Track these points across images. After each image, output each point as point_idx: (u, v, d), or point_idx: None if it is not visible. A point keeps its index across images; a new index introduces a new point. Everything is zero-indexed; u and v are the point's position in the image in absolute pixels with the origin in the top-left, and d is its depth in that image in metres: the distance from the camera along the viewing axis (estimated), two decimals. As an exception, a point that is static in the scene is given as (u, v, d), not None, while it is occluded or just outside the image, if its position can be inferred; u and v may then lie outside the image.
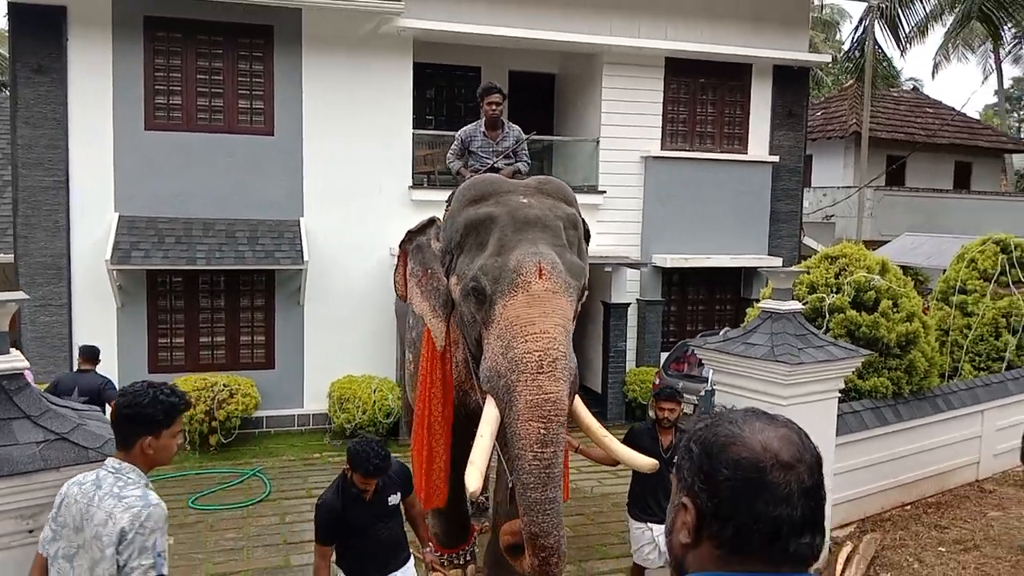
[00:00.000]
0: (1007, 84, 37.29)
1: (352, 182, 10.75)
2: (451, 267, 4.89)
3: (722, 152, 12.65)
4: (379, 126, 10.87)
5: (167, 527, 2.91)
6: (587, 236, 5.09)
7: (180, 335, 10.31)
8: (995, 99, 32.75)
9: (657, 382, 10.27)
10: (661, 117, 12.31)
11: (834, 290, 6.71)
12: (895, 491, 6.84)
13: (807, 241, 13.77)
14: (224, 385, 9.60)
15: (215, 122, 10.38)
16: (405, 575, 4.56)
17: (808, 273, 7.04)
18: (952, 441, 6.94)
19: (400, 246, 5.33)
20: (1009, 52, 26.93)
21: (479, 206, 4.74)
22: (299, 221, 10.52)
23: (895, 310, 6.66)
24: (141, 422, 2.90)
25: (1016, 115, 44.45)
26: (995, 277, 8.77)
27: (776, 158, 12.78)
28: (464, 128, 6.85)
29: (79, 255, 9.83)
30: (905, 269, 15.73)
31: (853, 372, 6.27)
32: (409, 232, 5.33)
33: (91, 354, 7.45)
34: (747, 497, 1.19)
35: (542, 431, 4.09)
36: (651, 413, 5.63)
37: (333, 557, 4.44)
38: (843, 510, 6.37)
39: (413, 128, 11.24)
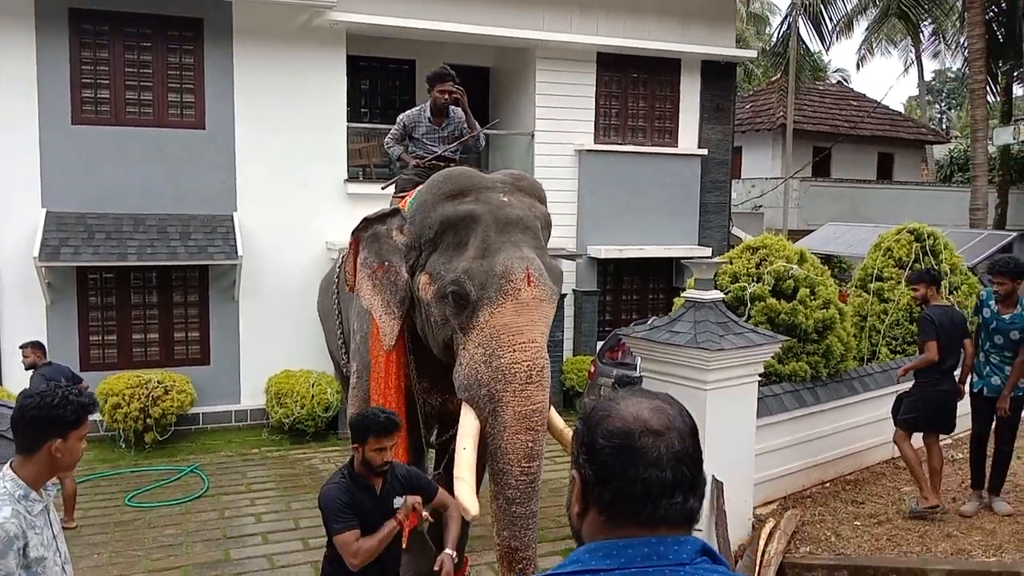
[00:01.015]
0: (929, 77, 38.74)
1: (286, 176, 10.70)
2: (418, 264, 4.65)
3: (653, 145, 12.95)
4: (313, 119, 10.84)
5: (11, 551, 2.60)
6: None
7: (112, 332, 10.15)
8: (919, 92, 33.93)
9: (592, 370, 10.52)
10: (594, 111, 12.55)
11: (755, 279, 7.01)
12: (815, 470, 7.18)
13: (735, 231, 14.20)
14: (158, 382, 9.51)
15: (145, 116, 10.23)
16: None
17: (731, 263, 7.33)
18: (868, 421, 7.30)
19: (353, 233, 4.95)
20: (927, 47, 27.92)
21: (458, 202, 4.50)
22: (232, 216, 10.44)
23: (813, 298, 7.00)
24: (51, 424, 2.70)
25: (938, 107, 46.15)
26: (909, 265, 9.20)
27: (705, 151, 13.15)
28: (407, 112, 6.43)
29: (5, 252, 9.60)
30: (829, 257, 16.38)
31: (773, 357, 6.57)
32: (366, 219, 4.92)
33: (40, 347, 7.65)
34: (620, 461, 1.31)
35: (530, 444, 4.01)
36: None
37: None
38: (766, 488, 6.68)
39: (348, 121, 11.25)
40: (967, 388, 6.55)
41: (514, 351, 4.09)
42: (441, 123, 6.34)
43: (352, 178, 11.26)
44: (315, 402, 9.91)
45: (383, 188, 7.27)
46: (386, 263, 4.78)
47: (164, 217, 10.12)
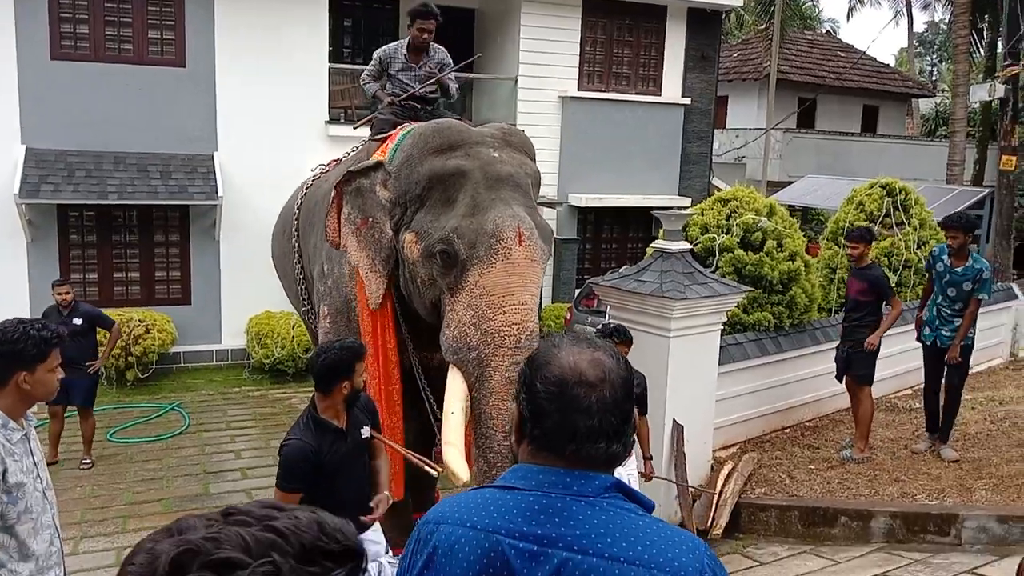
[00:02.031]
0: (922, 28, 38.53)
1: (267, 116, 10.68)
2: (404, 221, 4.46)
3: (637, 94, 12.96)
4: (294, 59, 10.79)
5: None
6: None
7: (93, 271, 10.24)
8: (908, 44, 33.76)
9: (568, 317, 10.74)
10: (578, 57, 12.52)
11: (725, 231, 7.18)
12: (775, 416, 7.46)
13: (716, 182, 14.31)
14: (140, 320, 9.64)
15: (124, 52, 10.16)
16: (375, 535, 4.06)
17: (702, 215, 7.48)
18: (829, 370, 7.49)
19: (336, 187, 4.75)
20: (919, -2, 27.74)
21: (446, 157, 4.33)
22: (213, 156, 10.46)
23: (779, 250, 7.18)
24: (14, 358, 2.84)
25: (929, 59, 45.88)
26: (880, 219, 9.39)
27: (688, 100, 13.18)
28: (384, 47, 6.05)
29: (-16, 189, 9.62)
30: (806, 210, 16.55)
31: (738, 307, 6.78)
32: (349, 172, 4.72)
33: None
34: (553, 406, 1.44)
35: None
36: None
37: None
38: (726, 432, 6.95)
39: (329, 62, 11.20)
40: (920, 339, 6.81)
41: (504, 313, 3.96)
42: (419, 60, 5.94)
43: (333, 119, 11.26)
44: (295, 343, 10.08)
45: (355, 127, 7.17)
46: (370, 219, 4.59)
47: (144, 155, 10.12)
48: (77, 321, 6.90)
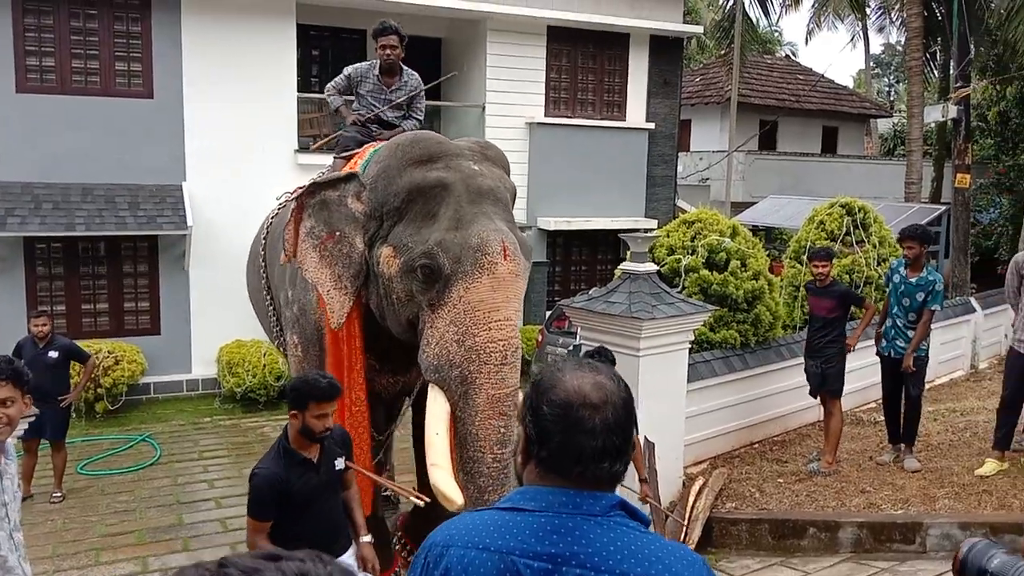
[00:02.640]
0: (879, 50, 39.51)
1: (236, 146, 10.74)
2: (380, 235, 4.28)
3: (602, 119, 13.21)
4: (262, 89, 10.87)
5: None
6: None
7: (61, 302, 10.16)
8: (865, 66, 34.58)
9: (540, 339, 10.84)
10: (544, 84, 12.74)
11: (690, 252, 7.35)
12: (744, 431, 7.60)
13: (681, 203, 14.56)
14: (109, 352, 9.59)
15: (91, 85, 10.18)
16: (350, 559, 3.92)
17: (667, 236, 7.65)
18: (795, 386, 7.70)
19: (298, 199, 4.51)
20: (874, 21, 28.46)
21: (427, 168, 4.18)
22: (181, 186, 10.47)
23: (743, 269, 7.36)
24: None
25: (886, 79, 47.01)
26: (840, 237, 9.64)
27: (652, 125, 13.45)
28: (356, 65, 5.91)
29: (-51, 222, 9.54)
30: (770, 229, 16.86)
31: (705, 325, 6.93)
32: (315, 184, 4.50)
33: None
34: (559, 428, 1.51)
35: (502, 429, 3.78)
36: None
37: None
38: (697, 448, 7.07)
39: (298, 91, 11.30)
40: (878, 353, 7.02)
41: (490, 329, 3.84)
42: (391, 83, 5.79)
43: (302, 148, 11.32)
44: (267, 371, 10.07)
45: (313, 147, 7.07)
46: (337, 232, 4.36)
47: (112, 187, 10.12)
48: (53, 354, 6.86)
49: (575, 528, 1.46)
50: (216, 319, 10.67)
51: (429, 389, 4.03)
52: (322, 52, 13.34)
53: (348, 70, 5.90)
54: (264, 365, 10.08)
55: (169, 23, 10.32)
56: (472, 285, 3.89)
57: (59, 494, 7.09)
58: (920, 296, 6.61)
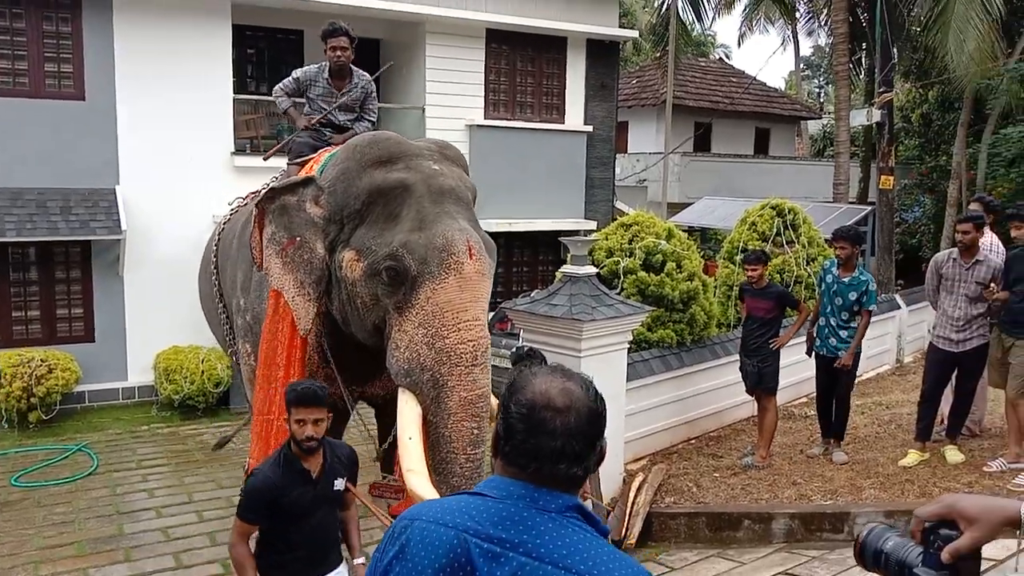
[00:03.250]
0: (808, 52, 40.63)
1: (171, 148, 10.56)
2: (340, 239, 4.20)
3: (541, 121, 13.37)
4: (198, 90, 10.72)
5: None
6: None
7: (-10, 310, 9.89)
8: (795, 68, 35.50)
9: (481, 340, 10.95)
10: (483, 87, 12.84)
11: (628, 254, 7.54)
12: (682, 428, 7.83)
13: (619, 205, 14.82)
14: (41, 360, 9.36)
15: (20, 86, 9.91)
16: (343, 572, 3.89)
17: (606, 239, 7.83)
18: (730, 383, 7.97)
19: (257, 205, 4.42)
20: (803, 25, 29.25)
21: (387, 169, 4.12)
22: (115, 189, 10.27)
23: (679, 271, 7.59)
24: None
25: (816, 81, 48.32)
26: (771, 238, 9.97)
27: (590, 128, 13.66)
28: (305, 68, 5.84)
29: None
30: (704, 230, 17.27)
31: (642, 326, 7.12)
32: (272, 190, 4.41)
33: None
34: (522, 427, 1.60)
35: (475, 431, 3.77)
36: None
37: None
38: (636, 445, 7.27)
39: (234, 92, 11.17)
40: (809, 351, 7.28)
41: (459, 330, 3.80)
42: (341, 86, 5.72)
43: (239, 150, 11.21)
44: (205, 377, 9.95)
45: (265, 158, 7.00)
46: (297, 238, 4.29)
47: (43, 191, 9.88)
48: None
49: (528, 519, 1.55)
50: (152, 325, 10.49)
51: (399, 393, 3.95)
52: (258, 52, 13.21)
53: (297, 73, 5.80)
54: (202, 371, 9.96)
55: (100, 23, 10.11)
56: (439, 286, 3.84)
57: None
58: (852, 295, 6.86)
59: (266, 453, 4.24)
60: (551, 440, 1.57)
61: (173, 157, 10.57)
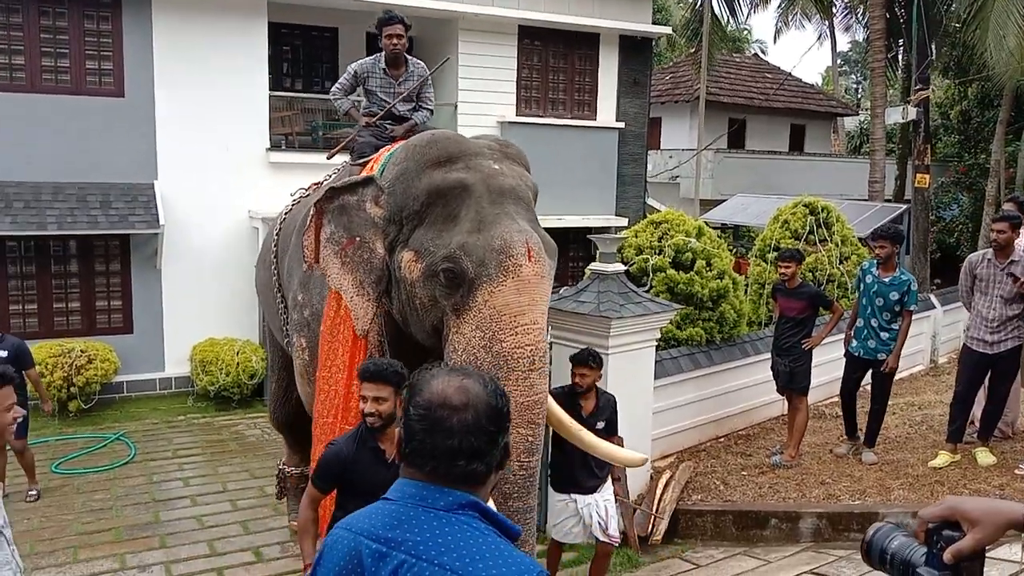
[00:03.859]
0: (846, 48, 40.08)
1: (207, 144, 10.76)
2: (400, 239, 4.15)
3: (573, 118, 13.38)
4: (234, 87, 10.90)
5: None
6: None
7: (33, 301, 10.15)
8: (832, 64, 35.05)
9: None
10: (516, 84, 12.88)
11: (657, 252, 7.54)
12: (710, 426, 7.82)
13: (651, 202, 14.79)
14: (81, 351, 9.59)
15: (62, 83, 10.16)
16: None
17: (636, 237, 7.84)
18: (759, 381, 7.95)
19: (316, 205, 4.40)
20: (840, 21, 28.88)
21: (446, 169, 4.05)
22: (153, 184, 10.49)
23: (709, 269, 7.58)
24: None
25: (854, 77, 47.66)
26: (804, 236, 9.90)
27: (622, 124, 13.64)
28: (360, 61, 5.80)
29: (-82, 221, 9.49)
30: (737, 227, 17.16)
31: (671, 323, 7.13)
32: (332, 189, 4.37)
33: None
34: (420, 428, 1.62)
35: (530, 438, 3.72)
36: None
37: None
38: (664, 443, 7.28)
39: (269, 89, 11.34)
40: (847, 352, 7.22)
41: (516, 334, 3.72)
42: (398, 75, 5.70)
43: (275, 146, 11.38)
44: (240, 369, 10.13)
45: (329, 157, 6.83)
46: (357, 238, 4.25)
47: (84, 186, 10.12)
48: (2, 353, 6.66)
49: (414, 518, 1.59)
50: (189, 317, 10.71)
51: None
52: (293, 50, 13.37)
53: (353, 67, 5.79)
54: (238, 363, 10.14)
55: (140, 21, 10.33)
56: (497, 289, 3.75)
57: (34, 491, 7.13)
58: (894, 296, 6.76)
59: None
60: (447, 439, 1.60)
61: (210, 153, 10.76)
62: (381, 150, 4.99)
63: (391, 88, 5.71)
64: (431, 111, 5.92)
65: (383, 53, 5.70)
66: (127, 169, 10.38)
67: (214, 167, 10.80)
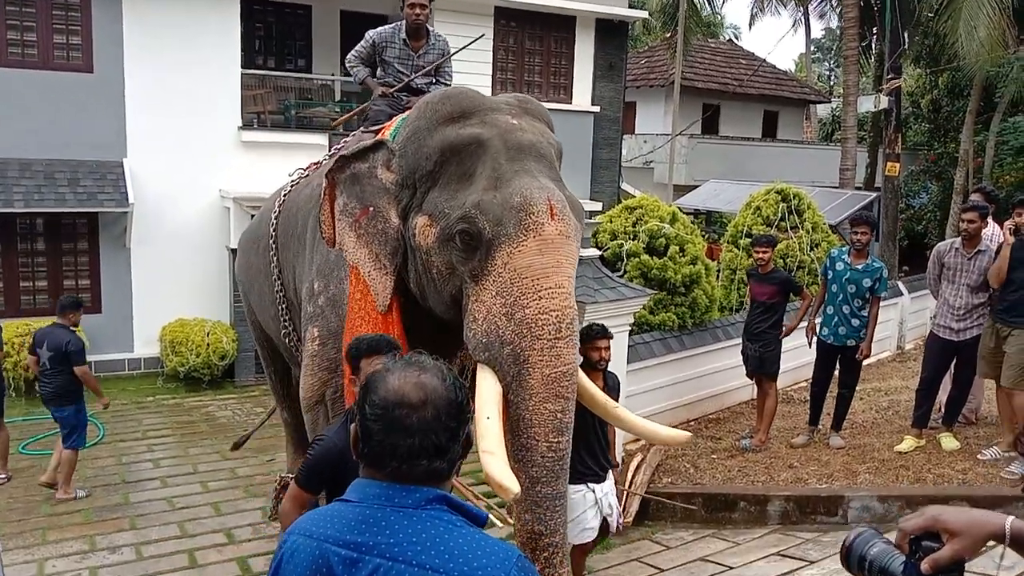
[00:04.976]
0: (820, 35, 40.30)
1: (178, 122, 10.61)
2: (413, 204, 3.85)
3: (548, 101, 13.29)
4: (206, 64, 10.75)
5: None
6: None
7: (-2, 280, 9.99)
8: (806, 51, 35.26)
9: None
10: (492, 65, 12.82)
11: (631, 237, 7.59)
12: (681, 410, 7.90)
13: (625, 186, 14.83)
14: (49, 330, 9.44)
15: (29, 58, 9.96)
16: None
17: (610, 222, 7.88)
18: (730, 366, 8.04)
19: (327, 175, 4.04)
20: (815, 7, 29.04)
21: (460, 125, 3.76)
22: (122, 162, 10.33)
23: (682, 255, 7.64)
24: None
25: (827, 64, 47.95)
26: (775, 223, 9.99)
27: (598, 108, 13.65)
28: (378, 29, 5.49)
29: None
30: (710, 213, 17.28)
31: (644, 308, 7.18)
32: (342, 158, 4.04)
33: (64, 305, 6.93)
34: (378, 427, 1.55)
35: (559, 414, 3.39)
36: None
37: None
38: (636, 428, 7.33)
39: (242, 67, 11.19)
40: (814, 336, 7.32)
41: (540, 299, 3.40)
42: (419, 47, 5.41)
43: (247, 125, 11.25)
44: (211, 351, 10.05)
45: (333, 125, 6.44)
46: (370, 207, 3.94)
47: (51, 162, 9.94)
48: (48, 354, 6.60)
49: (383, 519, 1.53)
50: (159, 297, 10.59)
51: (478, 369, 3.58)
52: (266, 27, 13.21)
53: (371, 35, 5.48)
54: (208, 344, 10.07)
55: (109, -5, 10.13)
56: (517, 250, 3.44)
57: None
58: (867, 283, 6.83)
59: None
60: (407, 437, 1.54)
61: (181, 130, 10.61)
62: (396, 117, 4.67)
63: (410, 60, 5.42)
64: (449, 85, 5.48)
65: (404, 23, 5.39)
66: (96, 146, 10.22)
67: (185, 145, 10.65)
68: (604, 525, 4.90)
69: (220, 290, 10.79)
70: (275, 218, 5.41)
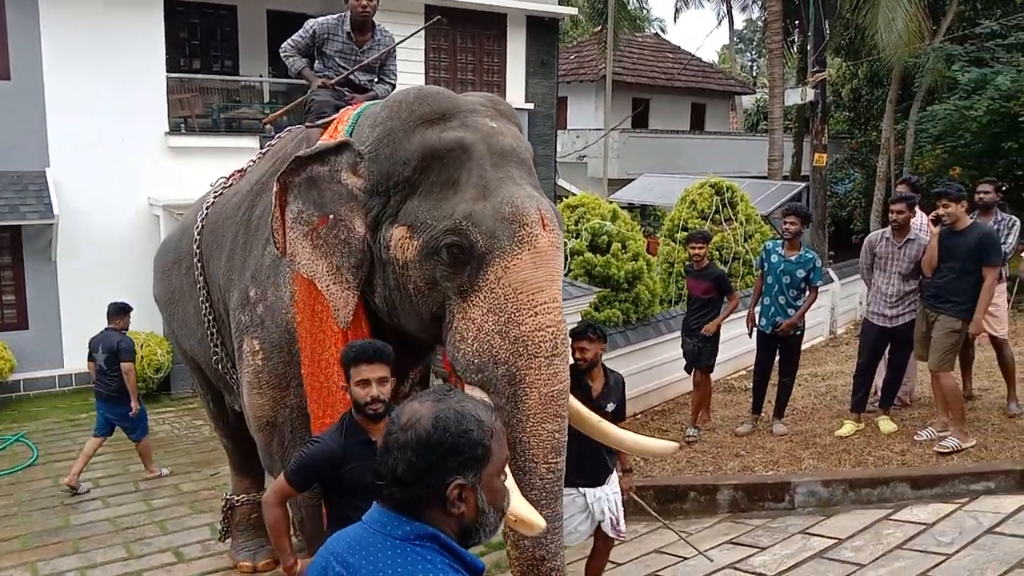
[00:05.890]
0: (742, 26, 41.17)
1: (102, 129, 10.28)
2: (386, 213, 3.57)
3: (482, 99, 13.34)
4: (129, 68, 10.43)
5: None
6: None
7: (-84, 298, 9.54)
8: (730, 43, 35.97)
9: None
10: (424, 64, 12.76)
11: (574, 235, 7.65)
12: (628, 404, 7.95)
13: (561, 183, 14.93)
14: (-27, 349, 9.08)
15: (-61, 65, 9.51)
16: None
17: (553, 220, 7.92)
18: (673, 359, 8.17)
19: (279, 179, 3.66)
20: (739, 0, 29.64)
21: (441, 128, 3.51)
22: (45, 172, 9.97)
23: (624, 251, 7.74)
24: None
25: (749, 55, 49.00)
26: (710, 216, 10.20)
27: (532, 105, 13.70)
28: (320, 19, 5.05)
29: None
30: (645, 207, 17.53)
31: (590, 306, 7.25)
32: (298, 158, 3.67)
33: (112, 312, 7.41)
34: (383, 446, 1.68)
35: (556, 434, 3.29)
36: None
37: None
38: (585, 424, 7.40)
39: (167, 70, 10.89)
40: (754, 328, 7.50)
41: (536, 315, 3.25)
42: (363, 42, 5.06)
43: (174, 130, 10.96)
44: (145, 363, 9.77)
45: (264, 124, 6.01)
46: (330, 216, 3.62)
47: (-32, 175, 9.52)
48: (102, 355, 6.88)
49: (372, 545, 1.61)
50: (88, 311, 10.14)
51: (467, 391, 3.33)
52: (191, 29, 12.88)
53: (312, 25, 5.05)
54: (142, 358, 9.77)
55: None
56: (512, 264, 3.27)
57: (164, 471, 7.09)
58: (800, 273, 7.01)
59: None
60: (388, 456, 1.62)
61: (105, 138, 10.29)
62: (342, 111, 4.38)
63: (352, 56, 5.06)
64: (393, 85, 5.22)
65: (347, 15, 5.00)
66: (16, 156, 9.83)
67: (110, 153, 10.33)
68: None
69: (152, 301, 10.43)
70: (198, 233, 4.96)
